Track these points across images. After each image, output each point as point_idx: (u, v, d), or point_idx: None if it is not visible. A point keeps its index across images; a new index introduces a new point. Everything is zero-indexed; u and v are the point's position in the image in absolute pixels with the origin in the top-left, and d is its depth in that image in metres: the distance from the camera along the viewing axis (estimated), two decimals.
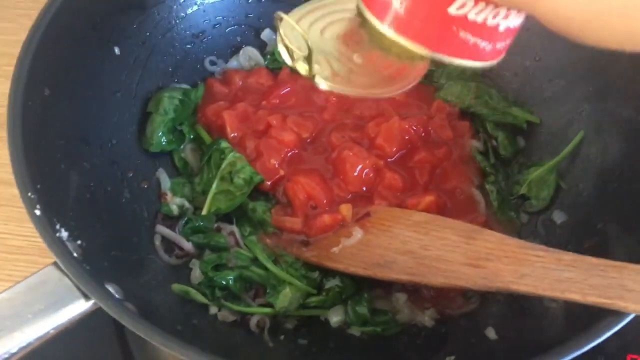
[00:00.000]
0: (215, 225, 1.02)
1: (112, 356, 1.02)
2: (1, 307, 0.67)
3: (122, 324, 0.68)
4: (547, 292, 0.75)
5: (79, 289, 0.70)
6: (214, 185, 1.02)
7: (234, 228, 1.01)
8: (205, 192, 1.03)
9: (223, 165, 1.02)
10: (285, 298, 0.94)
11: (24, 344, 0.66)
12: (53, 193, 0.81)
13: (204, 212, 1.02)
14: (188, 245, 0.98)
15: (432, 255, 0.88)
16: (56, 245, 0.73)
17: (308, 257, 0.97)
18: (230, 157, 1.02)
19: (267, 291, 0.95)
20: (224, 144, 1.04)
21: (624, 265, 0.73)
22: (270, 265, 0.96)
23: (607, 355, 0.96)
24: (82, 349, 1.00)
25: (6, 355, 0.65)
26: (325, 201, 1.02)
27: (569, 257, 0.77)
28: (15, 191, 1.08)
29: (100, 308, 0.71)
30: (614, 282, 0.71)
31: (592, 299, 0.71)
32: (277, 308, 0.93)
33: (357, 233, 0.96)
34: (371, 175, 1.03)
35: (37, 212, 0.74)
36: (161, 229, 1.00)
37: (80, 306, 0.70)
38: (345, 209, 1.00)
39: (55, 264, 0.73)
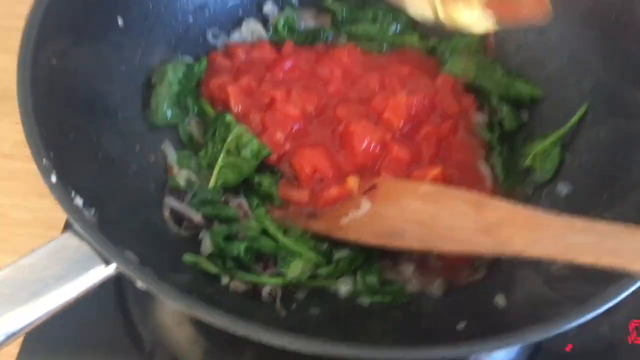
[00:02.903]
0: (223, 197, 1.01)
1: (115, 331, 1.01)
2: (24, 272, 0.67)
3: (145, 288, 0.68)
4: (561, 257, 0.76)
5: (98, 254, 0.70)
6: (220, 159, 1.02)
7: (242, 200, 1.01)
8: (210, 166, 1.03)
9: (229, 139, 1.02)
10: (296, 268, 0.94)
11: (47, 309, 0.66)
12: (65, 162, 0.80)
13: (210, 185, 1.01)
14: (197, 217, 0.98)
15: (442, 224, 0.88)
16: (74, 211, 0.72)
17: (317, 228, 0.98)
18: (236, 130, 1.02)
19: (278, 262, 0.95)
20: (228, 118, 1.04)
21: (636, 229, 0.74)
22: (280, 237, 0.96)
23: (612, 321, 0.98)
24: (84, 325, 1.00)
25: (31, 321, 0.64)
26: (331, 174, 1.02)
27: (581, 222, 0.78)
28: (18, 164, 1.10)
29: (118, 273, 0.71)
30: (627, 245, 0.72)
31: (606, 260, 0.72)
32: (289, 278, 0.93)
33: (366, 204, 0.97)
34: (378, 148, 1.04)
35: (53, 179, 0.74)
36: (170, 201, 0.99)
37: (100, 271, 0.69)
38: (352, 181, 1.01)
39: (72, 230, 0.72)
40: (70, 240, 0.71)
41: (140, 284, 0.68)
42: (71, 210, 0.72)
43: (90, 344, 1.00)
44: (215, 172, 1.02)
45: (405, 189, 0.97)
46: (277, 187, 1.02)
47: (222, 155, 1.02)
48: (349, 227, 0.95)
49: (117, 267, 0.69)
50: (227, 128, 1.03)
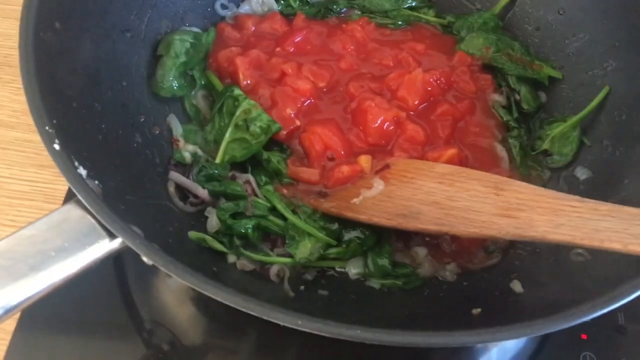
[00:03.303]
0: (230, 174, 0.98)
1: (115, 310, 0.98)
2: (23, 244, 0.63)
3: (151, 264, 0.65)
4: (585, 242, 0.73)
5: (103, 227, 0.66)
6: (227, 134, 0.98)
7: (250, 177, 0.97)
8: (217, 141, 0.99)
9: (237, 113, 0.98)
10: (305, 249, 0.91)
11: (48, 283, 0.63)
12: (68, 130, 0.76)
13: (217, 160, 0.98)
14: (203, 192, 0.94)
15: (460, 206, 0.85)
16: (78, 181, 0.68)
17: (327, 208, 0.94)
18: (244, 104, 0.98)
19: (287, 241, 0.92)
20: (237, 91, 1.00)
21: None
22: (289, 215, 0.93)
23: (627, 310, 0.96)
24: (84, 304, 0.97)
25: (32, 294, 0.61)
26: (343, 152, 0.99)
27: (606, 207, 0.75)
28: (17, 134, 1.06)
29: (122, 248, 0.68)
30: None
31: (635, 247, 0.69)
32: (297, 258, 0.90)
33: (379, 184, 0.94)
34: (392, 127, 1.00)
35: (56, 147, 0.70)
36: (174, 175, 0.96)
37: (104, 245, 0.66)
38: (364, 160, 0.98)
39: (75, 202, 0.68)
40: (73, 212, 0.67)
41: (146, 259, 0.65)
42: (75, 180, 0.68)
43: (89, 322, 0.97)
44: (222, 147, 0.98)
45: (421, 169, 0.94)
46: (287, 164, 0.98)
47: (229, 130, 0.98)
48: (361, 207, 0.92)
49: (122, 242, 0.65)
50: (236, 101, 0.99)
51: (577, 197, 0.79)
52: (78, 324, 0.96)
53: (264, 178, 0.98)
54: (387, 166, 0.96)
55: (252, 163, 0.99)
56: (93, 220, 0.67)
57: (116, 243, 0.66)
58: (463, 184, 0.88)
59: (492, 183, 0.86)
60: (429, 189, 0.89)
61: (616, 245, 0.70)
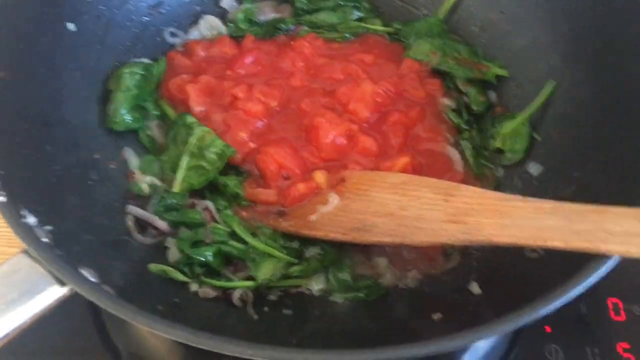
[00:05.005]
0: (190, 201, 0.99)
1: (89, 342, 0.99)
2: None
3: (101, 307, 0.66)
4: (530, 242, 0.75)
5: (52, 274, 0.67)
6: (184, 162, 0.99)
7: (208, 203, 0.98)
8: (174, 169, 1.00)
9: (193, 141, 0.99)
10: (267, 270, 0.92)
11: (0, 335, 0.63)
12: (17, 179, 0.78)
13: (175, 189, 0.98)
14: (162, 224, 0.95)
15: (411, 215, 0.86)
16: (24, 232, 0.69)
17: (285, 227, 0.95)
18: (198, 131, 0.99)
19: (248, 265, 0.93)
20: (189, 119, 1.01)
21: (604, 209, 0.72)
22: (248, 238, 0.94)
23: (588, 300, 0.97)
24: (58, 337, 0.98)
25: None
26: (297, 170, 1.00)
27: (548, 205, 0.77)
28: None
29: (76, 293, 0.68)
30: (595, 226, 0.71)
31: (576, 244, 0.71)
32: (259, 280, 0.91)
33: (334, 199, 0.95)
34: (344, 141, 1.01)
35: (2, 199, 0.71)
36: (132, 209, 0.96)
37: (55, 292, 0.67)
38: (319, 176, 0.99)
39: (25, 251, 0.69)
40: (22, 262, 0.69)
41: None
42: (21, 231, 0.69)
43: (65, 355, 0.97)
44: (179, 176, 0.99)
45: (374, 180, 0.95)
46: (243, 187, 0.99)
47: (185, 158, 0.99)
48: (318, 224, 0.93)
49: (70, 288, 0.66)
50: (189, 129, 1.00)
51: (521, 197, 0.81)
52: (52, 356, 0.97)
53: (222, 203, 0.99)
54: (342, 179, 0.98)
55: (209, 189, 1.00)
56: (42, 269, 0.67)
57: (67, 289, 0.67)
58: (415, 192, 0.89)
59: (441, 189, 0.87)
60: (382, 200, 0.91)
61: (559, 244, 0.72)
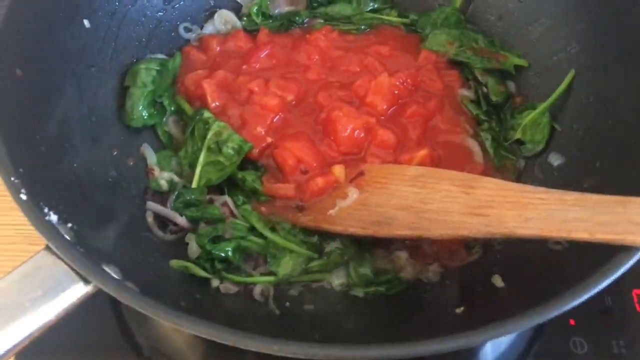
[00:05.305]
0: (208, 197, 0.98)
1: (111, 338, 0.99)
2: None
3: (124, 303, 0.66)
4: (554, 234, 0.73)
5: (76, 272, 0.67)
6: (201, 157, 0.99)
7: (227, 198, 0.98)
8: (192, 165, 1.00)
9: (209, 136, 0.98)
10: (287, 265, 0.92)
11: (25, 334, 0.64)
12: (37, 176, 0.77)
13: (193, 185, 0.98)
14: (182, 220, 0.95)
15: (432, 208, 0.86)
16: (47, 229, 0.69)
17: (305, 222, 0.95)
18: (215, 126, 0.99)
19: (268, 260, 0.92)
20: (206, 114, 1.00)
21: (629, 200, 0.71)
22: (268, 233, 0.94)
23: (613, 292, 0.96)
24: (80, 333, 0.98)
25: (9, 347, 0.62)
26: (315, 164, 0.99)
27: (572, 196, 0.76)
28: None
29: (99, 290, 0.68)
30: (620, 218, 0.70)
31: (601, 236, 0.70)
32: (280, 275, 0.91)
33: (353, 193, 0.94)
34: (362, 134, 1.01)
35: (23, 197, 0.71)
36: (152, 205, 0.96)
37: (79, 290, 0.67)
38: (338, 170, 0.98)
39: (47, 248, 0.69)
40: (45, 259, 0.68)
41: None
42: (44, 228, 0.69)
43: (87, 352, 0.98)
44: (197, 171, 0.99)
45: (393, 173, 0.94)
46: (262, 182, 0.99)
47: (203, 154, 0.99)
48: (337, 218, 0.92)
49: (94, 285, 0.66)
50: (206, 125, 0.99)
51: (544, 188, 0.79)
52: (76, 353, 0.97)
53: (241, 198, 0.99)
54: (361, 173, 0.97)
55: (228, 184, 1.00)
56: (66, 266, 0.67)
57: (91, 287, 0.67)
58: (435, 185, 0.88)
59: (462, 181, 0.86)
60: (402, 193, 0.90)
61: (584, 235, 0.71)
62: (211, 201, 0.98)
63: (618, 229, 0.70)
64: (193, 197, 0.97)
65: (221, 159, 0.98)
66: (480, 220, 0.80)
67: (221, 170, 0.98)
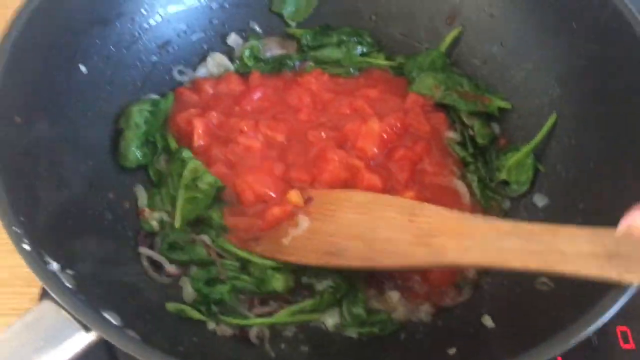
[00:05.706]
0: (191, 237, 0.99)
1: None
2: (1, 350, 0.65)
3: (125, 352, 0.67)
4: (492, 264, 0.76)
5: (77, 321, 0.68)
6: (180, 195, 1.00)
7: (204, 237, 0.99)
8: (173, 203, 1.01)
9: (185, 173, 1.01)
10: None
11: None
12: (36, 224, 0.78)
13: (176, 224, 1.00)
14: (172, 268, 0.97)
15: (380, 237, 0.87)
16: (49, 278, 0.70)
17: (260, 252, 0.96)
18: (190, 164, 1.01)
19: (260, 287, 0.94)
20: (185, 153, 1.03)
21: (558, 229, 0.73)
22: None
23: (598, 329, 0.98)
24: None
25: None
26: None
27: (507, 224, 0.78)
28: None
29: (101, 338, 0.69)
30: (550, 247, 0.72)
31: (533, 265, 0.72)
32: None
33: (303, 221, 0.95)
34: (347, 175, 1.03)
35: (26, 247, 0.72)
36: (144, 250, 0.97)
37: (81, 338, 0.68)
38: (295, 196, 0.99)
39: (49, 298, 0.70)
40: (48, 308, 0.69)
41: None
42: (46, 278, 0.70)
43: None
44: (178, 208, 1.00)
45: (340, 199, 0.95)
46: (224, 215, 1.00)
47: (182, 191, 1.00)
48: (290, 248, 0.93)
49: (95, 334, 0.67)
50: (183, 163, 1.02)
51: (481, 216, 0.81)
52: None
53: (213, 232, 1.00)
54: (310, 199, 0.98)
55: (199, 222, 1.01)
56: (67, 315, 0.68)
57: (93, 335, 0.68)
58: (380, 212, 0.90)
59: (405, 208, 0.88)
60: (349, 221, 0.91)
61: (517, 264, 0.73)
62: (193, 241, 0.99)
63: (548, 258, 0.72)
64: (177, 237, 0.98)
65: (198, 194, 1.00)
66: (425, 250, 0.81)
67: (196, 205, 1.00)
